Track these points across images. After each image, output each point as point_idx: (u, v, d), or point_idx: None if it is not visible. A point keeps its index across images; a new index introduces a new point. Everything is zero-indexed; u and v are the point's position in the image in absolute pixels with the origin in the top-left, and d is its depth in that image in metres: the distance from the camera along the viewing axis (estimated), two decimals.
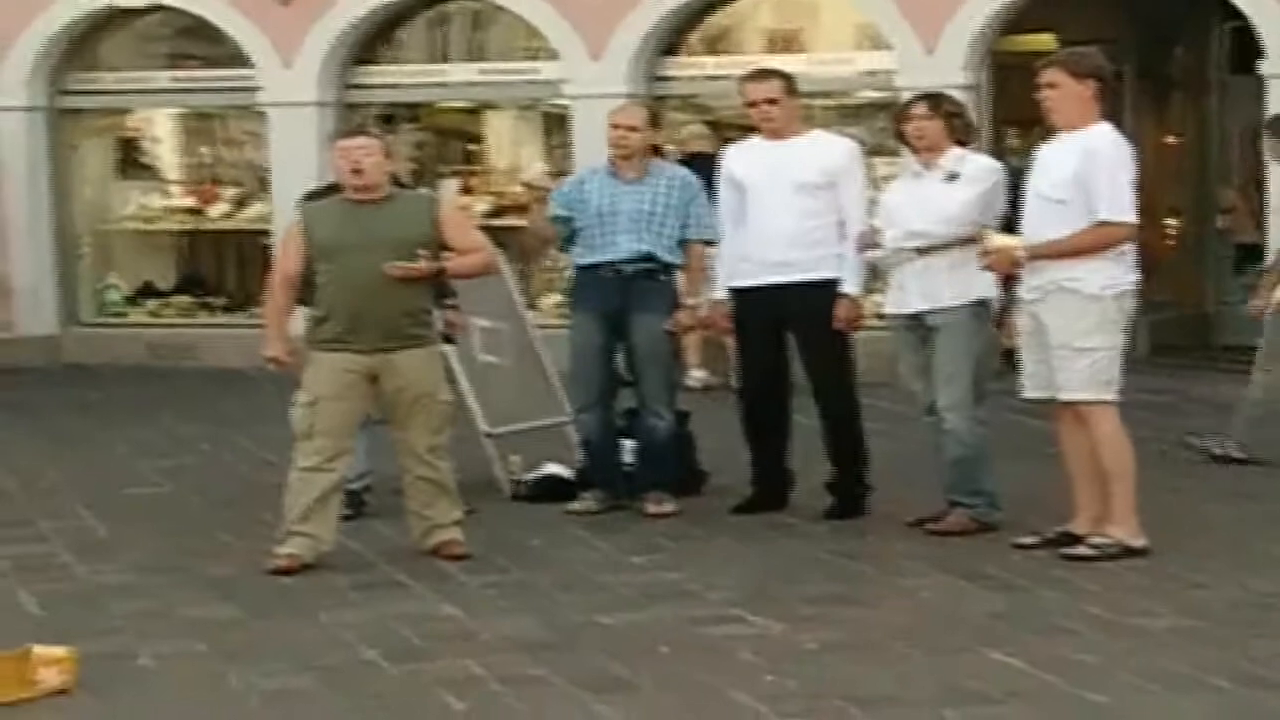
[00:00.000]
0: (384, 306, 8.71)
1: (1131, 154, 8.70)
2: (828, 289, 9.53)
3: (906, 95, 13.60)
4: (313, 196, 9.75)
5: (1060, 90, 8.63)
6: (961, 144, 9.32)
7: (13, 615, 8.16)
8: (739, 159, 9.87)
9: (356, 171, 8.79)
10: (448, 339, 10.07)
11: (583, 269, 9.98)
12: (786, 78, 9.83)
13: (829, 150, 9.76)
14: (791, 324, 9.66)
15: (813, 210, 9.56)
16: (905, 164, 9.88)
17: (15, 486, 11.23)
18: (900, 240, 9.22)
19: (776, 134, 9.71)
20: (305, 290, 8.92)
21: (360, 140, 8.96)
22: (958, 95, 10.72)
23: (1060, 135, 8.71)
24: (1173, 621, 7.63)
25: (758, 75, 9.91)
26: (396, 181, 9.82)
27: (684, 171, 10.19)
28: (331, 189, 9.51)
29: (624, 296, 9.83)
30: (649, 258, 9.83)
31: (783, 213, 9.57)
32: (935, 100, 9.40)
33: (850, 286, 9.55)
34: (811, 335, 9.63)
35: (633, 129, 9.90)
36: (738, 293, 9.77)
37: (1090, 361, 8.58)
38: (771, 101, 9.68)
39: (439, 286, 9.70)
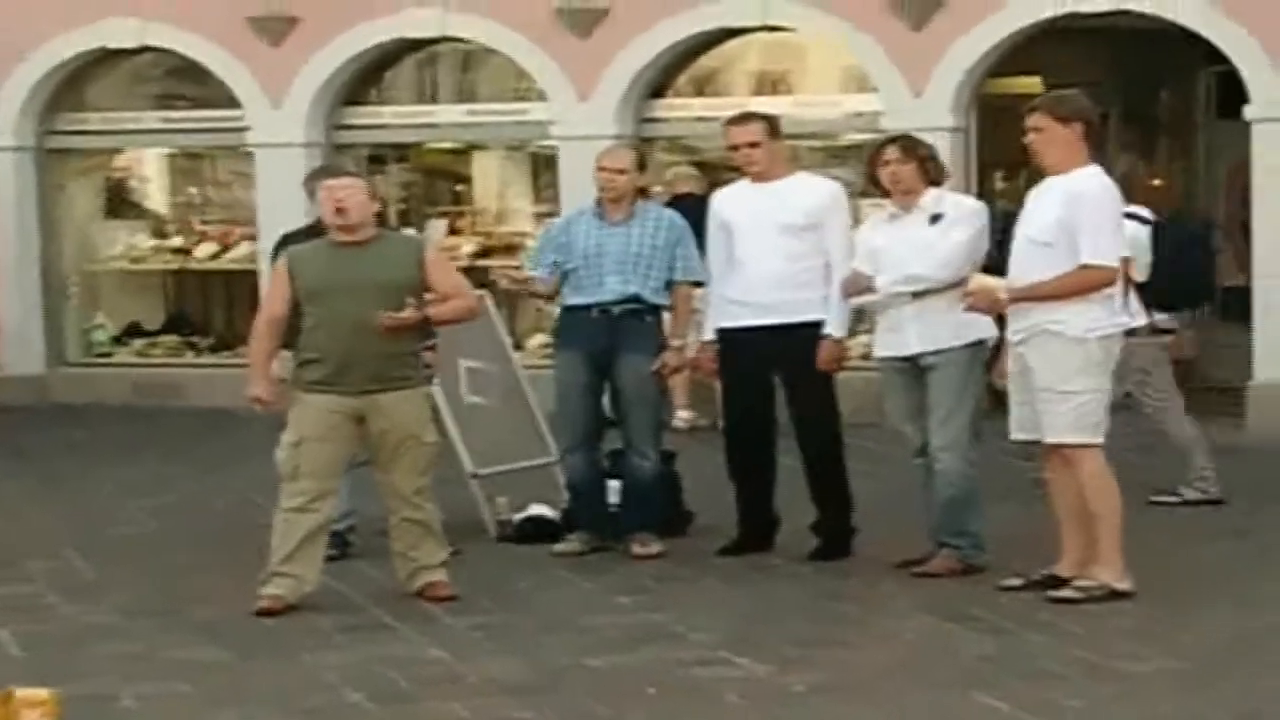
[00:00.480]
0: (371, 349, 8.71)
1: (1118, 197, 8.73)
2: (813, 331, 9.54)
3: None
4: (289, 238, 9.75)
5: (1046, 134, 8.65)
6: (935, 184, 9.34)
7: None
8: (727, 201, 9.90)
9: (340, 211, 8.79)
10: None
11: (568, 310, 9.99)
12: (769, 120, 9.85)
13: (813, 192, 9.78)
14: (777, 366, 9.67)
15: (798, 252, 9.58)
16: (877, 208, 9.90)
17: (1, 526, 11.20)
18: (898, 284, 9.22)
19: (761, 176, 9.74)
20: (289, 333, 8.91)
21: (345, 180, 8.99)
22: (945, 137, 10.77)
23: (1048, 179, 8.73)
24: (1160, 664, 7.63)
25: (739, 119, 9.94)
26: (382, 222, 9.84)
27: (670, 213, 10.20)
28: (312, 230, 9.51)
29: (610, 337, 9.83)
30: (636, 299, 9.84)
31: (768, 255, 9.59)
32: (908, 143, 9.42)
33: (834, 329, 9.56)
34: (796, 377, 9.63)
35: (620, 171, 9.92)
36: (724, 334, 9.78)
37: (1075, 405, 8.58)
38: (753, 145, 9.71)
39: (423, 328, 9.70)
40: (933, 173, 9.33)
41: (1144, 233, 10.70)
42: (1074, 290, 8.55)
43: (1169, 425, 11.17)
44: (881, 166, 9.31)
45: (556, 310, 10.28)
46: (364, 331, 8.67)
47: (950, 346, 9.16)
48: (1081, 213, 8.53)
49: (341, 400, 8.75)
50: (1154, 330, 10.84)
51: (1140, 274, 10.38)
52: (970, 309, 8.86)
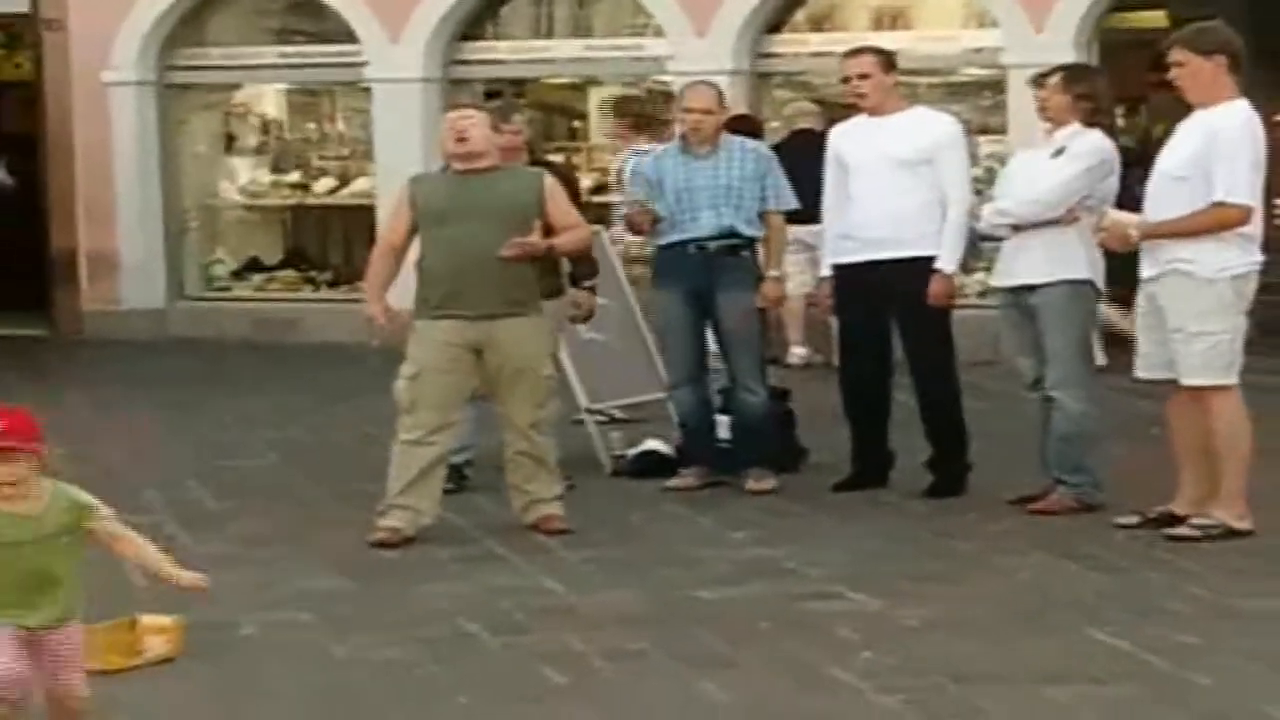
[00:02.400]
0: (489, 273, 8.76)
1: (1260, 135, 8.57)
2: (926, 266, 9.50)
3: (1014, 73, 13.62)
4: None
5: (1188, 68, 8.53)
6: (1091, 123, 9.23)
7: (119, 585, 8.23)
8: (842, 136, 9.86)
9: (461, 140, 8.84)
10: (577, 320, 10.13)
11: (665, 248, 9.99)
12: (882, 53, 9.80)
13: (928, 127, 9.72)
14: (891, 302, 9.64)
15: (910, 187, 9.52)
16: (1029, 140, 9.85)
17: (123, 457, 11.35)
18: (993, 216, 9.20)
19: (874, 110, 9.69)
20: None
21: (465, 111, 9.08)
22: None
23: (1194, 113, 8.62)
24: (1277, 603, 7.56)
25: (853, 51, 9.91)
26: (532, 155, 9.92)
27: (755, 143, 10.23)
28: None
29: (708, 274, 9.83)
30: (732, 233, 9.83)
31: (881, 189, 9.55)
32: (1070, 75, 9.36)
33: (946, 264, 9.51)
34: (910, 313, 9.59)
35: (708, 112, 9.92)
36: (839, 270, 9.76)
37: (1208, 345, 8.50)
38: (864, 76, 9.65)
39: (579, 266, 9.78)
40: (1085, 111, 9.21)
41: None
42: (1206, 228, 8.45)
43: None
44: (1040, 88, 9.27)
45: (649, 248, 10.29)
46: (482, 256, 8.72)
47: (1045, 282, 9.09)
48: (1218, 148, 8.42)
49: (459, 327, 8.79)
50: None
51: None
52: (1102, 245, 8.77)
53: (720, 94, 10.15)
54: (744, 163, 9.89)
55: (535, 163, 9.93)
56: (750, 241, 9.95)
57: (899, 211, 9.52)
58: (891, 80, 9.76)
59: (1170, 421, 8.79)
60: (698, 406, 10.06)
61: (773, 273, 10.00)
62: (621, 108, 12.60)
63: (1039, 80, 9.41)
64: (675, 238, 9.90)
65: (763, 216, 9.91)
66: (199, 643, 7.10)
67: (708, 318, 9.95)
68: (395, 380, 8.93)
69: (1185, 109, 8.71)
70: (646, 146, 12.38)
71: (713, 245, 9.84)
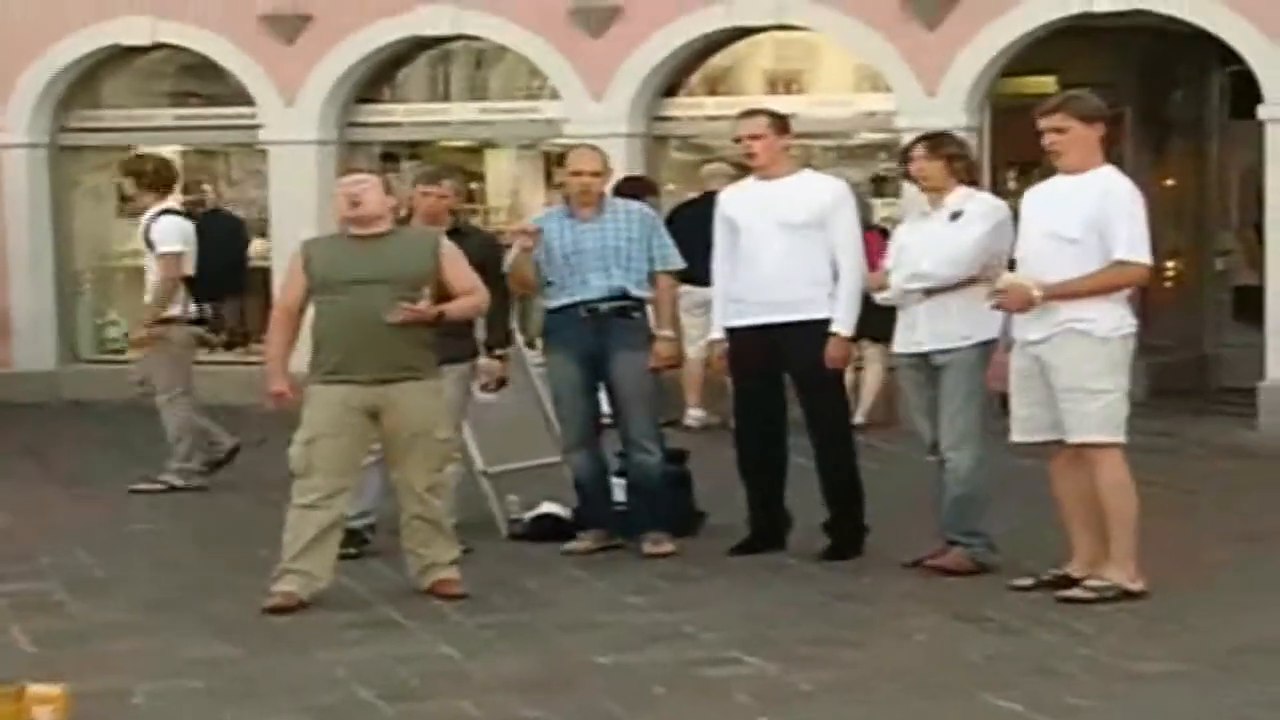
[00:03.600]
0: (383, 338, 8.72)
1: (1140, 196, 8.73)
2: (820, 328, 9.54)
3: (907, 137, 13.75)
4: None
5: (1070, 134, 8.65)
6: (972, 183, 9.34)
7: (7, 652, 8.14)
8: (731, 199, 9.91)
9: (355, 204, 8.81)
10: (487, 388, 10.10)
11: (554, 311, 9.99)
12: (775, 116, 9.86)
13: (816, 190, 9.77)
14: (785, 364, 9.67)
15: (801, 250, 9.57)
16: (917, 204, 9.92)
17: (13, 522, 11.22)
18: (907, 281, 9.24)
19: (764, 173, 9.75)
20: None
21: (359, 176, 9.06)
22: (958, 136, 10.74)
23: (1059, 177, 8.73)
24: (1170, 666, 7.61)
25: (747, 113, 9.97)
26: (455, 222, 9.91)
27: (639, 205, 10.30)
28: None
29: (599, 336, 9.85)
30: (623, 294, 9.85)
31: (771, 252, 9.60)
32: (935, 141, 9.43)
33: (842, 326, 9.56)
34: (805, 375, 9.63)
35: (597, 174, 9.97)
36: (733, 332, 9.78)
37: (1104, 404, 8.58)
38: (755, 138, 9.71)
39: (493, 334, 9.76)
40: (961, 172, 9.31)
41: (190, 228, 12.11)
42: (1111, 286, 8.58)
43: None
44: (910, 163, 9.34)
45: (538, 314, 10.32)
46: (376, 322, 8.69)
47: (959, 346, 9.16)
48: (1115, 209, 8.56)
49: (354, 392, 8.76)
50: (194, 322, 12.18)
51: (190, 268, 11.97)
52: (1000, 307, 8.81)
53: (605, 157, 10.18)
54: (629, 224, 9.92)
55: (457, 229, 9.93)
56: (641, 302, 9.97)
57: (790, 274, 9.56)
58: (784, 143, 9.81)
59: (1055, 484, 8.84)
60: (593, 469, 10.05)
61: (664, 332, 10.02)
62: (130, 167, 12.52)
63: (904, 155, 9.50)
64: (564, 300, 9.91)
65: (651, 278, 9.94)
66: (87, 713, 6.99)
67: (600, 379, 9.95)
68: (289, 445, 8.87)
69: (1048, 173, 8.83)
70: (171, 205, 12.30)
71: (604, 307, 9.86)
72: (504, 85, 17.00)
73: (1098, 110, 8.74)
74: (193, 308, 12.14)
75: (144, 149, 14.60)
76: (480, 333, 9.92)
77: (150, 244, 12.12)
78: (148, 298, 12.24)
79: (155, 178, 12.34)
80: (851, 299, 9.57)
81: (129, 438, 14.82)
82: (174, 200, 12.51)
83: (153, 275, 12.13)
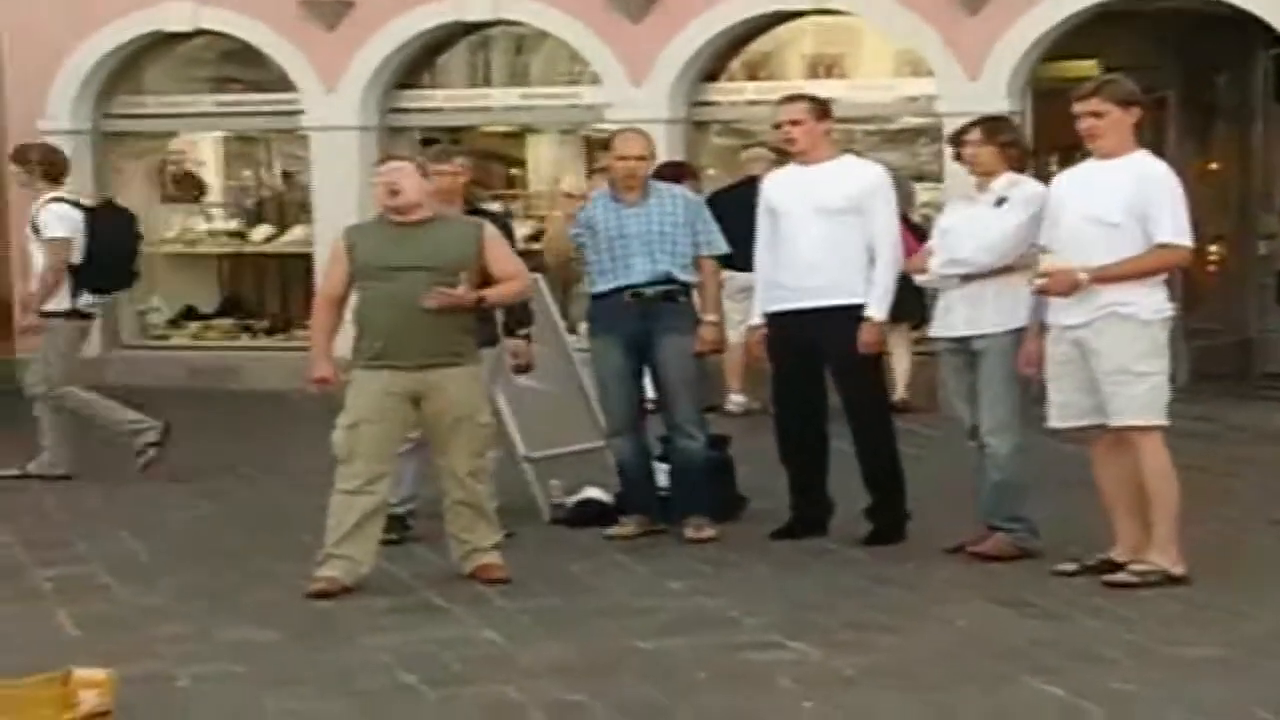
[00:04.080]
0: (426, 324, 8.74)
1: (1177, 179, 8.73)
2: (856, 313, 9.52)
3: (948, 122, 13.72)
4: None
5: (1108, 118, 8.64)
6: (1020, 170, 9.31)
7: (52, 637, 8.19)
8: (774, 184, 9.90)
9: (394, 192, 8.83)
10: (519, 370, 10.12)
11: (599, 296, 9.99)
12: (815, 101, 9.84)
13: (855, 175, 9.75)
14: (823, 349, 9.65)
15: (838, 235, 9.56)
16: (960, 189, 9.90)
17: (57, 507, 11.28)
18: (945, 267, 9.23)
19: (804, 158, 9.73)
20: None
21: (395, 164, 9.04)
22: None
23: (1093, 161, 8.72)
24: (1213, 651, 7.60)
25: (787, 98, 9.96)
26: (469, 204, 9.90)
27: (681, 189, 10.28)
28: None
29: (645, 320, 9.85)
30: (668, 279, 9.84)
31: (808, 237, 9.58)
32: (990, 126, 9.41)
33: (876, 312, 9.53)
34: (841, 360, 9.62)
35: (642, 159, 9.96)
36: (772, 318, 9.77)
37: (1149, 386, 8.58)
38: (795, 123, 9.69)
39: (513, 314, 9.77)
40: (1014, 158, 9.28)
41: (79, 217, 12.06)
42: (1153, 269, 8.61)
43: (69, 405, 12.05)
44: (962, 146, 9.32)
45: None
46: (417, 309, 8.70)
47: (994, 332, 9.14)
48: (1157, 193, 8.57)
49: (396, 377, 8.78)
50: (81, 315, 12.17)
51: (77, 256, 11.95)
52: (1043, 292, 8.79)
53: (651, 141, 10.18)
54: (675, 208, 9.92)
55: (472, 211, 9.93)
56: (686, 287, 9.96)
57: (826, 260, 9.55)
58: (824, 128, 9.78)
59: (1097, 469, 8.83)
60: (636, 454, 10.05)
61: (709, 317, 10.01)
62: (18, 155, 12.54)
63: (958, 138, 9.46)
64: (609, 285, 9.91)
65: (696, 263, 9.93)
66: (132, 697, 7.02)
67: (645, 365, 9.95)
68: (333, 430, 8.89)
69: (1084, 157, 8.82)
70: (61, 194, 12.29)
71: (649, 291, 9.85)
72: (544, 70, 16.99)
73: (1134, 94, 8.74)
74: (82, 299, 12.11)
75: (42, 140, 14.59)
76: (499, 314, 9.89)
77: (37, 230, 12.16)
78: (33, 285, 12.27)
79: (44, 166, 12.39)
80: (886, 285, 9.55)
81: (173, 422, 14.87)
82: (66, 190, 12.51)
83: (38, 262, 12.16)
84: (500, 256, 9.04)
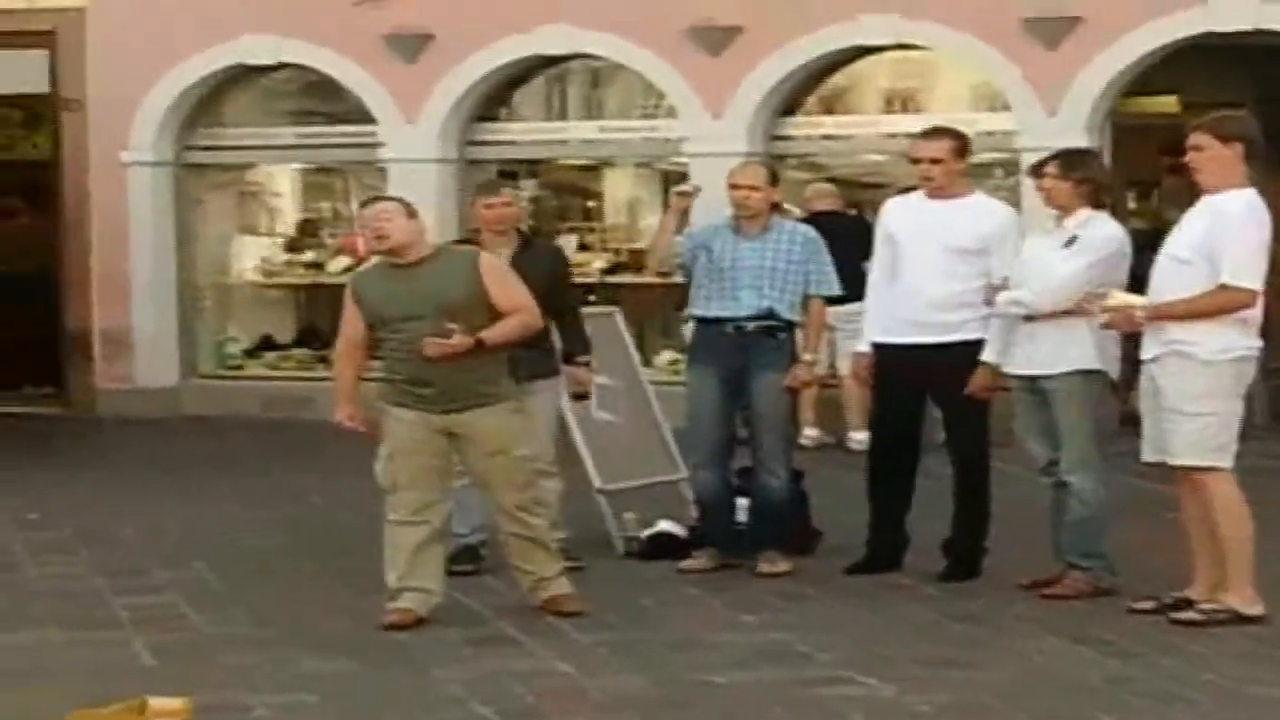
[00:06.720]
0: (446, 371, 8.64)
1: (1266, 221, 8.58)
2: (968, 350, 9.43)
3: (1026, 156, 13.66)
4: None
5: (1206, 153, 8.57)
6: (1099, 206, 9.23)
7: (128, 665, 8.23)
8: (895, 214, 9.83)
9: (381, 238, 8.77)
10: (578, 396, 10.12)
11: (703, 324, 9.98)
12: (958, 138, 9.73)
13: (986, 215, 9.64)
14: (932, 384, 9.59)
15: (961, 274, 9.47)
16: (1034, 222, 9.85)
17: (133, 536, 11.35)
18: (1007, 305, 9.19)
19: (938, 193, 9.66)
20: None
21: (376, 207, 8.89)
22: None
23: (1203, 198, 8.64)
24: None
25: (929, 133, 9.86)
26: (523, 235, 9.90)
27: (805, 228, 10.21)
28: (464, 241, 9.72)
29: (744, 355, 9.82)
30: (770, 314, 9.82)
31: (931, 273, 9.50)
32: (1067, 160, 9.34)
33: (990, 354, 9.40)
34: (950, 397, 9.55)
35: (754, 189, 9.92)
36: (881, 348, 9.71)
37: (1199, 426, 8.49)
38: (935, 161, 9.61)
39: (572, 344, 9.76)
40: (1088, 194, 9.21)
41: None
42: (1209, 310, 8.47)
43: None
44: (1041, 179, 9.27)
45: (685, 326, 10.28)
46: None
47: (1054, 372, 9.09)
48: (1224, 232, 8.45)
49: (425, 417, 8.74)
50: None
51: None
52: (1107, 327, 8.77)
53: (772, 173, 10.16)
54: (792, 246, 9.87)
55: (529, 240, 9.95)
56: (789, 325, 9.90)
57: (946, 297, 9.47)
58: (961, 166, 9.69)
59: (1183, 505, 8.77)
60: (719, 488, 10.01)
61: (807, 356, 9.97)
62: None
63: (1037, 170, 9.42)
64: (713, 314, 9.89)
65: (804, 300, 9.90)
66: None
67: (739, 399, 9.92)
68: (375, 461, 8.89)
69: (1196, 193, 8.73)
70: None
71: (750, 326, 9.83)
72: (621, 103, 17.03)
73: (1236, 130, 8.62)
74: None
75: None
76: (557, 342, 9.89)
77: None
78: None
79: None
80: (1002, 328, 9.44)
81: (247, 452, 14.97)
82: None
83: None
84: (502, 288, 8.80)
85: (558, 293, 9.68)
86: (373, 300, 8.83)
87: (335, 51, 16.62)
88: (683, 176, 16.15)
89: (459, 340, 8.59)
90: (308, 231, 18.08)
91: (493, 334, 8.70)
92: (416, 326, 8.64)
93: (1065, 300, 9.05)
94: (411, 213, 8.85)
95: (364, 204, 9.17)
